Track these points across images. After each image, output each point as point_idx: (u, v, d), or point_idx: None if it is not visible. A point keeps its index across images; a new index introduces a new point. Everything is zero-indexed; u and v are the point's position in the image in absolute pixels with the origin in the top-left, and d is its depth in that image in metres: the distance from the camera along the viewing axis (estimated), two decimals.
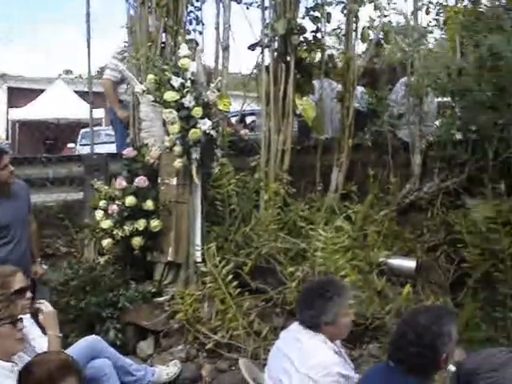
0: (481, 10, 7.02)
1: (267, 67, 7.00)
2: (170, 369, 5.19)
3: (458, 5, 7.18)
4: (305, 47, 7.26)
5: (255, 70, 7.29)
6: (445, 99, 7.39)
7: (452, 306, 6.09)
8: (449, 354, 2.97)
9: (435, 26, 8.03)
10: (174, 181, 5.94)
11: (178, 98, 5.73)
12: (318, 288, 3.55)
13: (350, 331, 3.72)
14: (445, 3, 7.56)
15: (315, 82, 7.46)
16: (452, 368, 3.04)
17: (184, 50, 5.96)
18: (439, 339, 2.92)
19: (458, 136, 7.04)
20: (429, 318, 2.96)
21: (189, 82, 5.80)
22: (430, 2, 7.60)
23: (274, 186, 6.55)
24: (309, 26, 7.18)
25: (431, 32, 8.25)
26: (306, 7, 7.15)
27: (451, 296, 6.26)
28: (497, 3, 6.65)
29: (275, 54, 7.06)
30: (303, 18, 7.22)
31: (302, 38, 7.14)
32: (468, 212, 6.34)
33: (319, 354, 3.45)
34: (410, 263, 6.17)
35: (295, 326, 3.68)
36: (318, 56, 7.48)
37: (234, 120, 9.17)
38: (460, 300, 6.18)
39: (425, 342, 2.91)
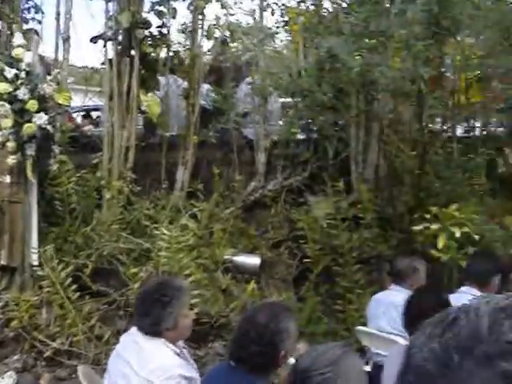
0: (323, 13, 7.25)
1: (110, 61, 6.74)
2: (5, 381, 4.83)
3: (301, 7, 7.37)
4: (150, 42, 7.10)
5: (98, 64, 7.01)
6: (288, 99, 7.57)
7: (295, 301, 6.26)
8: (288, 351, 2.98)
9: (281, 27, 8.19)
10: (8, 179, 5.55)
11: (12, 90, 5.35)
12: (155, 292, 3.42)
13: (194, 330, 3.64)
14: (288, 4, 7.73)
15: (161, 78, 7.32)
16: (292, 361, 3.05)
17: (19, 39, 5.58)
18: (277, 336, 2.91)
19: (301, 135, 7.23)
20: (266, 316, 2.94)
21: (23, 73, 5.43)
22: (274, 3, 7.72)
23: (118, 184, 6.32)
24: (154, 20, 7.04)
25: (277, 33, 8.43)
26: (152, 1, 7.00)
27: (294, 291, 6.42)
28: (337, 7, 6.89)
29: (119, 47, 6.82)
30: (148, 12, 7.05)
31: (147, 33, 6.97)
32: (310, 209, 6.53)
33: (159, 357, 3.32)
34: (254, 260, 6.24)
35: (134, 330, 3.53)
36: (164, 52, 7.35)
37: (79, 115, 8.77)
38: (303, 294, 6.36)
39: (265, 340, 2.89)
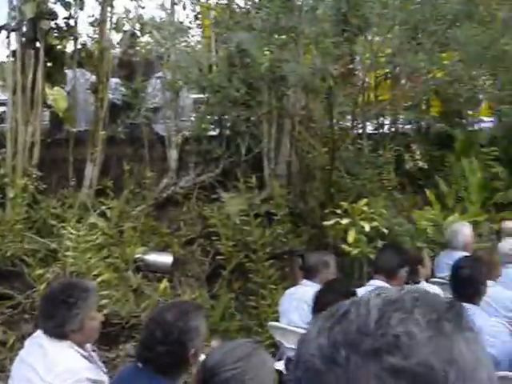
0: (234, 7, 7.21)
1: (14, 53, 6.45)
2: None
3: (212, 1, 7.30)
4: (56, 34, 6.84)
5: (1, 56, 6.70)
6: (201, 95, 7.49)
7: (208, 298, 6.21)
8: (198, 349, 2.92)
9: (192, 21, 8.08)
10: None
11: None
12: (60, 294, 3.28)
13: (104, 332, 3.53)
14: None
15: (67, 72, 7.07)
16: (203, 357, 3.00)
17: None
18: (186, 335, 2.85)
19: (214, 131, 7.18)
20: (175, 315, 2.87)
21: None
22: None
23: (22, 181, 6.05)
24: (61, 11, 6.79)
25: (189, 27, 8.31)
26: None
27: (208, 288, 6.37)
28: (249, 2, 6.87)
29: (23, 39, 6.53)
30: (55, 2, 6.80)
31: (52, 24, 6.72)
32: (222, 205, 6.48)
33: (66, 360, 3.19)
34: (166, 258, 6.14)
35: (39, 333, 3.38)
36: (71, 44, 7.10)
37: None
38: (216, 291, 6.32)
39: (172, 339, 2.82)
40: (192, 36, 7.80)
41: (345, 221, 5.88)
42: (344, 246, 5.92)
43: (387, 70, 7.59)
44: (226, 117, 6.90)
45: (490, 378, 0.70)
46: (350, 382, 0.67)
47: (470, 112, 9.28)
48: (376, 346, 0.67)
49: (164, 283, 5.71)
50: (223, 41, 6.45)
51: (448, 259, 4.95)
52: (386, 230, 6.11)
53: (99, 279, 4.97)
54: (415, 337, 0.67)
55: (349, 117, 6.94)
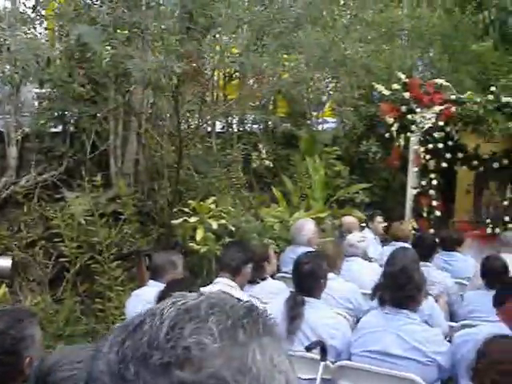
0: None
1: None
2: None
3: None
4: None
5: None
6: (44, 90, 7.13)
7: (51, 303, 5.94)
8: (33, 358, 2.77)
9: (35, 12, 7.64)
10: None
11: None
12: None
13: None
14: None
15: None
16: None
17: None
18: (20, 344, 2.69)
19: (57, 128, 6.85)
20: (7, 323, 2.70)
21: None
22: None
23: None
24: None
25: (31, 18, 7.85)
26: None
27: (51, 292, 6.09)
28: None
29: None
30: None
31: None
32: (66, 205, 6.22)
33: None
34: (5, 262, 5.77)
35: None
36: None
37: None
38: (60, 295, 6.06)
39: (5, 348, 2.65)
40: (34, 27, 7.38)
41: (193, 219, 5.88)
42: (192, 245, 5.92)
43: (235, 70, 7.69)
44: (70, 113, 6.62)
45: (288, 382, 0.68)
46: None
47: (314, 113, 9.69)
48: (165, 360, 0.64)
49: (3, 289, 5.37)
50: (65, 34, 6.17)
51: (293, 254, 5.09)
52: (233, 228, 6.19)
53: None
54: (207, 348, 0.64)
55: (197, 115, 6.94)
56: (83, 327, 5.91)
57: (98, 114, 6.52)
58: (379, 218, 7.32)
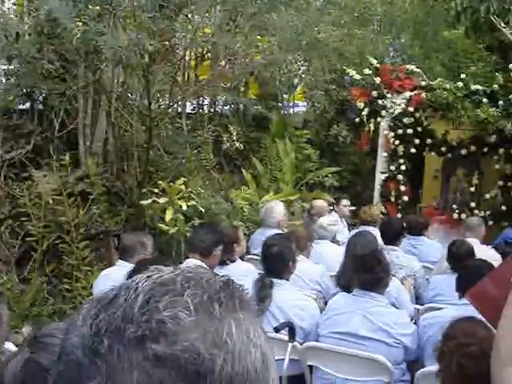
0: None
1: None
2: None
3: None
4: None
5: None
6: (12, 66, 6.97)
7: (18, 283, 5.86)
8: (1, 338, 2.73)
9: None
10: None
11: None
12: None
13: None
14: None
15: None
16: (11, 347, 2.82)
17: None
18: None
19: (24, 105, 6.72)
20: None
21: None
22: None
23: None
24: None
25: None
26: None
27: (17, 272, 6.00)
28: None
29: None
30: None
31: None
32: (34, 184, 6.12)
33: None
34: None
35: None
36: None
37: None
38: (27, 275, 5.98)
39: None
40: (2, 2, 7.21)
41: (162, 200, 5.84)
42: (161, 225, 5.89)
43: (207, 50, 7.63)
44: (39, 90, 6.49)
45: (263, 356, 0.68)
46: (112, 375, 0.62)
47: (285, 96, 9.69)
48: (139, 333, 0.63)
49: None
50: (35, 8, 6.02)
51: (262, 236, 5.10)
52: (203, 209, 6.18)
53: None
54: (182, 321, 0.64)
55: (168, 95, 6.87)
56: (50, 307, 5.85)
57: (68, 92, 6.40)
58: (345, 202, 7.38)
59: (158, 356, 0.62)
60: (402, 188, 8.10)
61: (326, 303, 4.14)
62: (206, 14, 6.15)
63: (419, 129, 8.02)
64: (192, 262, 4.16)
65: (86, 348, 0.64)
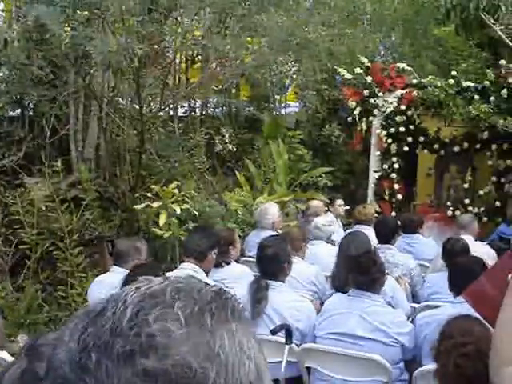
0: None
1: None
2: None
3: None
4: None
5: None
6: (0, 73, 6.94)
7: (12, 291, 5.83)
8: None
9: None
10: None
11: None
12: None
13: None
14: None
15: None
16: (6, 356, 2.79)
17: None
18: None
19: (15, 112, 6.69)
20: None
21: None
22: None
23: None
24: None
25: None
26: None
27: (12, 280, 5.97)
28: None
29: None
30: None
31: None
32: (26, 191, 6.08)
33: None
34: None
35: None
36: None
37: None
38: (21, 283, 5.94)
39: None
40: None
41: (156, 204, 5.81)
42: (156, 230, 5.86)
43: (197, 53, 7.61)
44: (29, 96, 6.46)
45: (257, 368, 0.66)
46: None
47: (277, 97, 9.67)
48: (128, 347, 0.60)
49: None
50: (23, 15, 5.99)
51: (257, 238, 5.07)
52: (197, 212, 6.15)
53: None
54: (172, 334, 0.61)
55: (159, 99, 6.85)
56: (45, 315, 5.82)
57: (58, 98, 6.37)
58: (339, 201, 7.37)
59: (148, 371, 0.59)
60: (396, 186, 8.10)
61: (322, 304, 4.12)
62: (195, 17, 6.12)
63: (411, 127, 8.02)
64: (187, 267, 4.14)
65: (74, 363, 0.61)
